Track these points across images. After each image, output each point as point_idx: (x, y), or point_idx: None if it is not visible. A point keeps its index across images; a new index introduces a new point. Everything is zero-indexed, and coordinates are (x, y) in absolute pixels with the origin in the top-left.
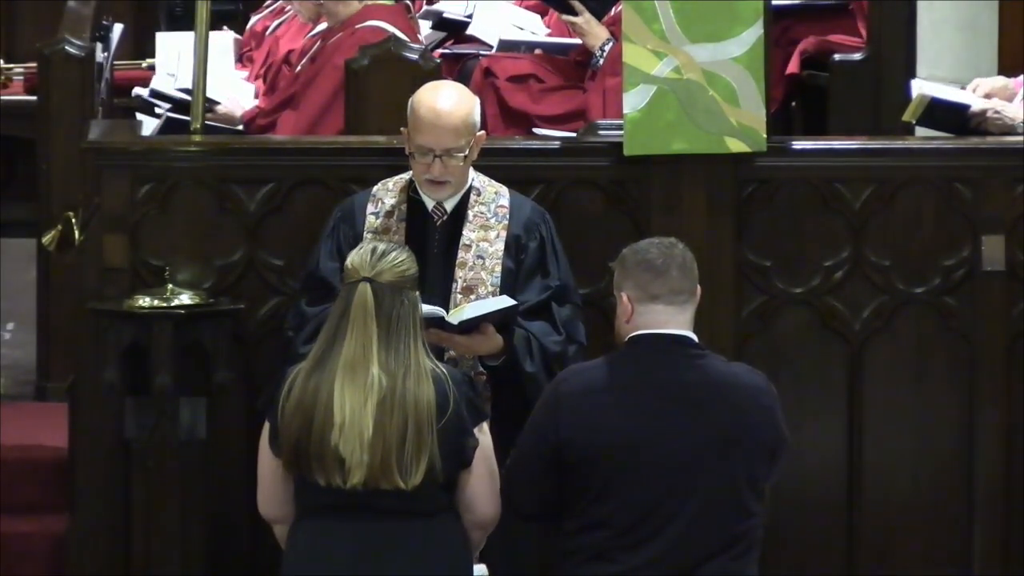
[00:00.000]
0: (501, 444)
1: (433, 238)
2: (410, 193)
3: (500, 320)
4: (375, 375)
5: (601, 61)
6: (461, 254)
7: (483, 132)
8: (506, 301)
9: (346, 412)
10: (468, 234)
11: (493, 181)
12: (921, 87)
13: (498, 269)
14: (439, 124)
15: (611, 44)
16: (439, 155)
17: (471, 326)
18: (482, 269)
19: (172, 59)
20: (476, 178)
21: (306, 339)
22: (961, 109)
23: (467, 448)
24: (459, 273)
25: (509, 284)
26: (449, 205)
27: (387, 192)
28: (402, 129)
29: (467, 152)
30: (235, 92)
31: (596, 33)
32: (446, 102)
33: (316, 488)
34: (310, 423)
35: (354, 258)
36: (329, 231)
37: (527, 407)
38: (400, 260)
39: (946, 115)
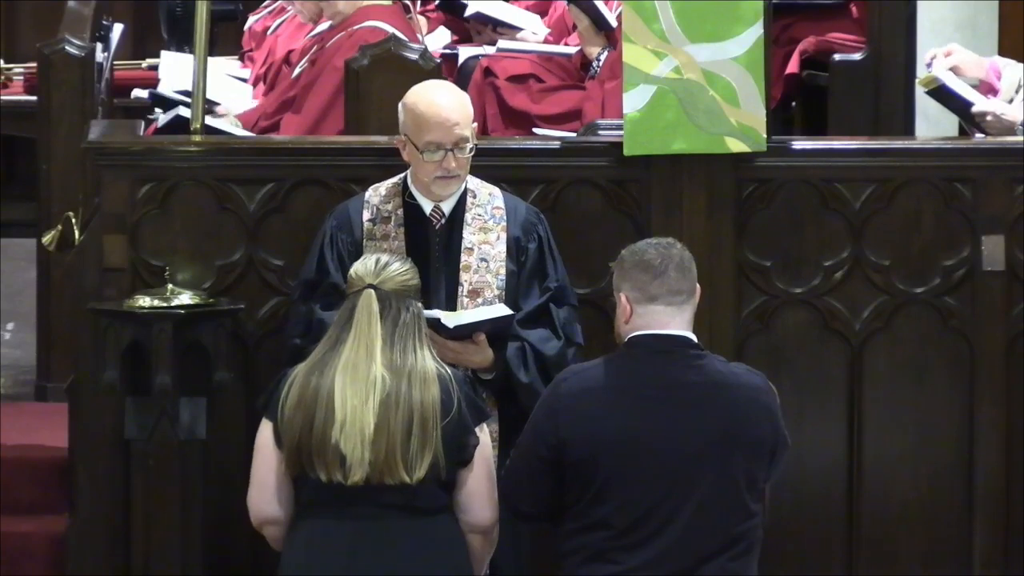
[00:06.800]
0: (505, 451)
1: (433, 242)
2: (405, 198)
3: (493, 330)
4: (377, 374)
5: (599, 70)
6: (464, 257)
7: (476, 123)
8: (502, 310)
9: (347, 409)
10: (469, 237)
11: (485, 182)
12: (940, 65)
13: (503, 271)
14: (447, 117)
15: (607, 52)
16: (451, 149)
17: (464, 334)
18: (487, 272)
19: (177, 77)
20: (470, 180)
21: None
22: (965, 104)
23: (468, 446)
24: (464, 277)
25: (512, 286)
26: (447, 208)
27: (379, 197)
28: (397, 138)
29: (473, 142)
30: (234, 93)
31: (595, 41)
32: (446, 97)
33: (317, 484)
34: (311, 420)
35: (358, 268)
36: (328, 241)
37: (527, 415)
38: (404, 270)
39: (952, 100)
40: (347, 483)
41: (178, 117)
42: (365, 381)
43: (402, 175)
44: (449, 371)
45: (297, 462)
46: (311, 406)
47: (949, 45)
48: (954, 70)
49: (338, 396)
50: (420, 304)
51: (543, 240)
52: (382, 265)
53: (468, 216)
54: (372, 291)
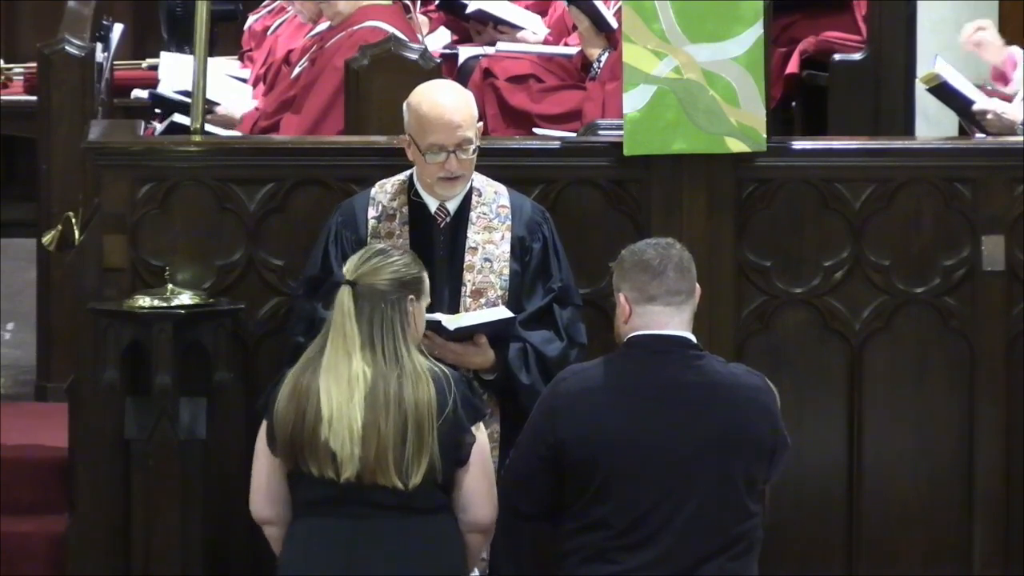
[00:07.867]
0: (505, 451)
1: (438, 241)
2: (411, 196)
3: (494, 332)
4: (357, 371)
5: (599, 71)
6: (468, 257)
7: (481, 123)
8: (502, 313)
9: (333, 407)
10: (473, 236)
11: (491, 180)
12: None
13: (506, 272)
14: (450, 119)
15: (608, 53)
16: (453, 151)
17: (465, 335)
18: (491, 272)
19: (177, 77)
20: (476, 178)
21: None
22: (966, 102)
23: (464, 445)
24: (467, 276)
25: (516, 286)
26: (452, 206)
27: (385, 194)
28: (401, 137)
29: (476, 143)
30: (234, 94)
31: (595, 42)
32: (450, 97)
33: (312, 482)
34: (302, 416)
35: (345, 263)
36: (332, 238)
37: (528, 416)
38: (389, 262)
39: (953, 98)
40: (339, 480)
41: (173, 124)
42: (347, 379)
43: (409, 172)
44: (445, 369)
45: (291, 457)
46: (302, 402)
47: (983, 20)
48: (978, 44)
49: (323, 395)
50: (411, 298)
51: (548, 240)
52: (363, 259)
53: (473, 215)
54: (348, 288)
